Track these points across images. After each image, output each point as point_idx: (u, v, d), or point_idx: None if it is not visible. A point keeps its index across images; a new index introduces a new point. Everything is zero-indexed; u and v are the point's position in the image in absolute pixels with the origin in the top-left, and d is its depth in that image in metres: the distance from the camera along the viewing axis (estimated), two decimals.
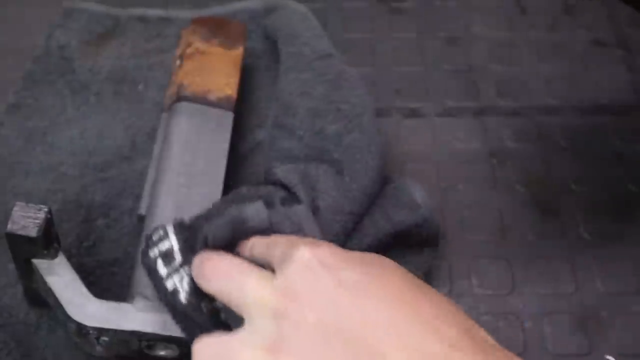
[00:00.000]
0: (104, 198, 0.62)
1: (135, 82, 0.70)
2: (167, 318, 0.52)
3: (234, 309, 0.44)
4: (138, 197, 0.61)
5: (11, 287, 0.58)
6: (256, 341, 0.41)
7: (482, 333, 0.39)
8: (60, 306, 0.52)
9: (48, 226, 0.51)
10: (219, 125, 0.62)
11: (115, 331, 0.52)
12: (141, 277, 0.54)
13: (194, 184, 0.58)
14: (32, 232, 0.50)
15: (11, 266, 0.56)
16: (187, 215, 0.56)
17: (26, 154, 0.65)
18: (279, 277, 0.43)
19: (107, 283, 0.58)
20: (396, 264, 0.43)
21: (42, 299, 0.55)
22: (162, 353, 0.53)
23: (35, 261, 0.52)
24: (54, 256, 0.52)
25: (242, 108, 0.67)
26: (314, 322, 0.40)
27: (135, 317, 0.52)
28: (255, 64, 0.71)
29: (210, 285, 0.47)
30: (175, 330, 0.52)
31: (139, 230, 0.58)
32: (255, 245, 0.48)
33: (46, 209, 0.51)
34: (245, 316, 0.43)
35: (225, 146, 0.61)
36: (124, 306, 0.53)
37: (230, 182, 0.62)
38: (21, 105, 0.68)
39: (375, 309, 0.39)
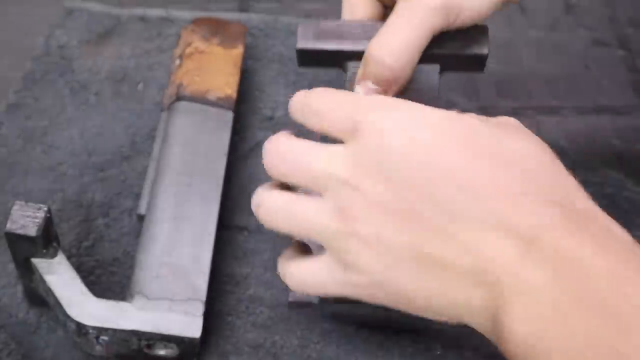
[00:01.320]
0: (103, 198, 0.62)
1: (135, 82, 0.70)
2: (167, 317, 0.52)
3: (306, 188, 0.43)
4: (138, 197, 0.61)
5: (11, 287, 0.58)
6: (326, 207, 0.41)
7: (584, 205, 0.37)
8: (59, 305, 0.52)
9: (47, 225, 0.51)
10: (218, 124, 0.62)
11: (114, 330, 0.52)
12: (141, 276, 0.54)
13: (193, 182, 0.59)
14: (32, 231, 0.50)
15: (11, 266, 0.56)
16: (187, 214, 0.56)
17: (26, 153, 0.65)
18: (348, 148, 0.41)
19: (106, 283, 0.58)
20: (481, 120, 0.41)
21: (42, 299, 0.55)
22: (161, 352, 0.53)
23: (34, 260, 0.52)
24: (53, 255, 0.52)
25: (242, 108, 0.67)
26: (384, 194, 0.39)
27: (135, 316, 0.52)
28: (255, 64, 0.71)
29: (279, 170, 0.44)
30: (175, 330, 0.52)
31: (138, 229, 0.58)
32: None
33: (45, 208, 0.51)
34: (318, 191, 0.42)
35: (225, 145, 0.61)
36: (123, 305, 0.53)
37: (230, 182, 0.62)
38: (21, 104, 0.68)
39: (451, 188, 0.38)
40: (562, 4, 0.77)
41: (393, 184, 0.39)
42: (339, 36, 0.53)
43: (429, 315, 0.42)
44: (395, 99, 0.43)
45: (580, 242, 0.34)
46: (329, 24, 0.54)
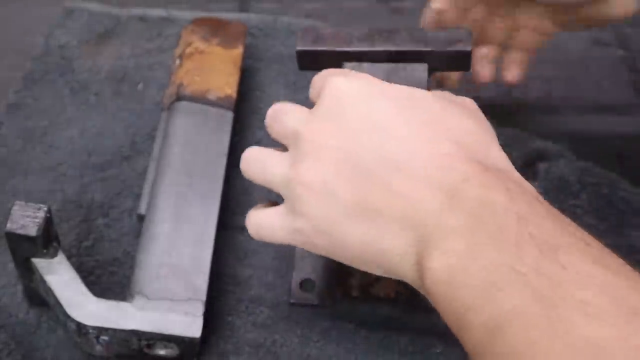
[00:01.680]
0: (103, 198, 0.62)
1: (135, 82, 0.70)
2: (167, 317, 0.52)
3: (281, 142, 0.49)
4: (138, 197, 0.61)
5: (11, 287, 0.58)
6: (285, 159, 0.47)
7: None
8: (59, 305, 0.52)
9: (47, 225, 0.51)
10: (218, 124, 0.62)
11: (114, 330, 0.52)
12: (141, 276, 0.54)
13: (193, 183, 0.59)
14: (32, 231, 0.50)
15: (11, 266, 0.56)
16: (187, 214, 0.56)
17: (26, 153, 0.65)
18: (315, 108, 0.47)
19: (106, 283, 0.58)
20: (435, 97, 0.46)
21: (42, 299, 0.55)
22: (161, 352, 0.53)
23: (34, 260, 0.52)
24: (53, 255, 0.53)
25: (242, 108, 0.67)
26: (333, 147, 0.44)
27: (135, 316, 0.52)
28: (255, 64, 0.71)
29: (268, 125, 0.50)
30: (175, 330, 0.52)
31: (138, 229, 0.58)
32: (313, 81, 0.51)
33: (45, 208, 0.51)
34: (287, 145, 0.48)
35: (225, 145, 0.61)
36: (123, 305, 0.53)
37: (231, 183, 0.62)
38: (21, 104, 0.68)
39: (394, 146, 0.43)
40: None
41: (344, 139, 0.44)
42: (336, 39, 0.56)
43: (362, 266, 0.46)
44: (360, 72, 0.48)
45: (495, 192, 0.39)
46: (327, 30, 0.57)
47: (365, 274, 0.56)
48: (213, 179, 0.59)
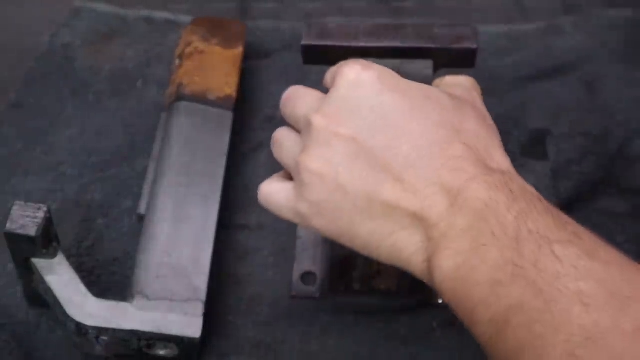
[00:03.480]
0: (103, 197, 0.63)
1: (135, 81, 0.70)
2: (167, 317, 0.52)
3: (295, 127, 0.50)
4: (137, 197, 0.61)
5: (11, 287, 0.58)
6: (298, 143, 0.48)
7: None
8: (59, 305, 0.52)
9: (47, 225, 0.51)
10: (218, 124, 0.62)
11: (114, 330, 0.52)
12: (141, 276, 0.54)
13: (193, 183, 0.59)
14: (32, 231, 0.50)
15: (11, 266, 0.56)
16: (187, 214, 0.56)
17: (26, 153, 0.65)
18: (327, 96, 0.47)
19: (106, 283, 0.58)
20: (449, 98, 0.47)
21: (42, 299, 0.55)
22: (161, 352, 0.53)
23: (34, 260, 0.52)
24: (53, 255, 0.52)
25: (242, 108, 0.67)
26: (345, 138, 0.45)
27: (135, 316, 0.52)
28: (255, 64, 0.71)
29: (286, 110, 0.51)
30: (174, 330, 0.52)
31: (138, 229, 0.58)
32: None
33: (45, 208, 0.51)
34: (300, 130, 0.49)
35: (224, 146, 0.61)
36: (123, 305, 0.53)
37: (231, 182, 0.62)
38: (22, 104, 0.68)
39: (408, 144, 0.44)
40: (562, 4, 0.77)
41: (357, 131, 0.44)
42: (342, 35, 0.56)
43: (369, 254, 0.46)
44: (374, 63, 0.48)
45: (499, 193, 0.41)
46: (332, 25, 0.56)
47: (366, 267, 0.56)
48: (213, 179, 0.59)
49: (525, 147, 0.65)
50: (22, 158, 0.65)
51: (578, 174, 0.63)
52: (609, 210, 0.61)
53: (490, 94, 0.68)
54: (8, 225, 0.50)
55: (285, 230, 0.60)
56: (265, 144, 0.64)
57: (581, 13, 0.75)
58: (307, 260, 0.58)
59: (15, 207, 0.51)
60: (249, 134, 0.67)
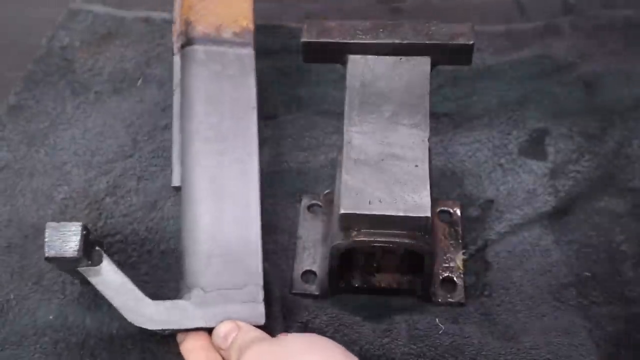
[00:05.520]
0: (107, 183, 0.63)
1: (135, 81, 0.70)
2: (228, 309, 0.51)
3: None
4: (140, 179, 0.62)
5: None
6: None
7: None
8: (116, 310, 0.51)
9: (85, 241, 0.50)
10: (240, 69, 0.57)
11: (177, 329, 0.51)
12: (192, 267, 0.53)
13: (227, 149, 0.55)
14: (72, 253, 0.49)
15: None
16: (226, 189, 0.54)
17: (30, 156, 0.65)
18: None
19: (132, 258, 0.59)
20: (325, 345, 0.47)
21: None
22: None
23: (81, 270, 0.51)
24: (98, 262, 0.51)
25: None
26: None
27: (195, 314, 0.51)
28: (256, 64, 0.71)
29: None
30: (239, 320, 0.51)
31: (176, 201, 0.57)
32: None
33: (79, 226, 0.49)
34: None
35: (252, 95, 0.57)
36: (181, 304, 0.51)
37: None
38: (22, 106, 0.69)
39: None
40: (562, 4, 0.77)
41: None
42: (341, 32, 0.56)
43: None
44: None
45: None
46: (332, 22, 0.57)
47: (366, 265, 0.57)
48: (247, 141, 0.56)
49: (524, 146, 0.65)
50: (27, 162, 0.65)
51: (576, 173, 0.63)
52: (609, 210, 0.61)
53: (489, 93, 0.69)
54: (47, 252, 0.49)
55: (286, 229, 0.60)
56: (266, 142, 0.64)
57: (580, 13, 0.75)
58: (308, 259, 0.59)
59: (48, 231, 0.49)
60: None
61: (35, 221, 0.61)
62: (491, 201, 0.62)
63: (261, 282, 0.52)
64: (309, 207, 0.62)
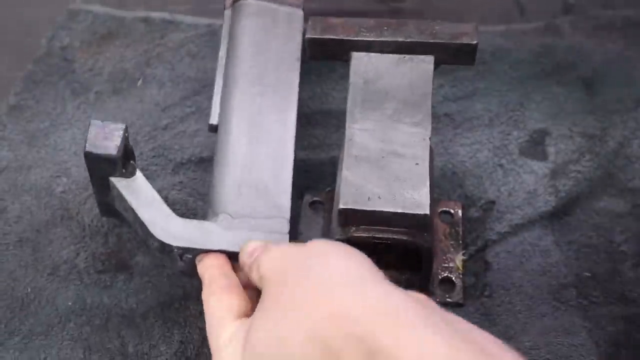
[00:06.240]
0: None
1: (135, 81, 0.70)
2: (252, 236, 0.51)
3: None
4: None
5: None
6: None
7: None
8: (141, 225, 0.51)
9: (126, 144, 0.51)
10: (289, 26, 0.59)
11: (200, 250, 0.51)
12: (222, 194, 0.53)
13: (267, 93, 0.57)
14: (112, 151, 0.50)
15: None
16: (263, 127, 0.55)
17: (30, 156, 0.65)
18: None
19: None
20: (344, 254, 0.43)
21: (115, 211, 0.55)
22: None
23: (113, 180, 0.52)
24: (132, 174, 0.52)
25: None
26: None
27: (221, 236, 0.51)
28: None
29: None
30: None
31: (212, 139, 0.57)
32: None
33: (123, 127, 0.50)
34: None
35: (297, 49, 0.59)
36: (208, 225, 0.52)
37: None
38: (22, 106, 0.69)
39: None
40: (562, 4, 0.77)
41: None
42: (346, 29, 0.57)
43: None
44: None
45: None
46: (336, 20, 0.58)
47: None
48: (287, 87, 0.57)
49: (525, 147, 0.65)
50: (28, 161, 0.65)
51: (577, 173, 0.63)
52: (609, 210, 0.61)
53: (489, 93, 0.69)
54: (87, 147, 0.50)
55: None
56: None
57: (580, 13, 0.75)
58: None
59: (92, 128, 0.50)
60: None
61: (46, 218, 0.62)
62: (492, 202, 0.62)
63: (288, 216, 0.52)
64: (311, 204, 0.62)
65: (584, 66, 0.70)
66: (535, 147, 0.65)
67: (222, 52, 0.59)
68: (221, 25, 0.60)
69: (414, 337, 0.37)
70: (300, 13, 0.60)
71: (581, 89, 0.69)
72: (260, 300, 0.43)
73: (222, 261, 0.50)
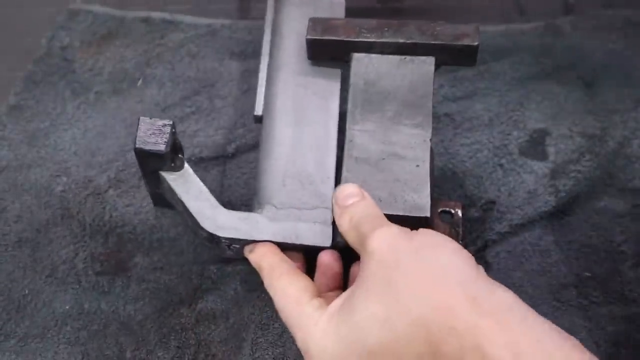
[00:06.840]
0: (108, 178, 0.64)
1: (135, 81, 0.70)
2: (297, 227, 0.53)
3: None
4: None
5: None
6: None
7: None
8: (191, 216, 0.53)
9: (174, 140, 0.52)
10: (331, 15, 0.61)
11: (247, 240, 0.52)
12: (268, 185, 0.55)
13: (311, 82, 0.58)
14: (161, 148, 0.51)
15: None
16: (307, 118, 0.56)
17: (30, 156, 0.65)
18: None
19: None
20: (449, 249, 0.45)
21: (166, 201, 0.56)
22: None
23: (163, 173, 0.53)
24: (180, 167, 0.54)
25: (245, 106, 0.67)
26: None
27: (267, 227, 0.53)
28: (255, 64, 0.71)
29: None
30: (306, 239, 0.52)
31: (257, 130, 0.58)
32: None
33: (170, 123, 0.52)
34: None
35: None
36: (254, 216, 0.53)
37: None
38: (22, 106, 0.69)
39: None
40: (562, 4, 0.77)
41: None
42: (346, 30, 0.57)
43: None
44: None
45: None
46: (336, 20, 0.57)
47: None
48: (331, 77, 0.58)
49: (525, 147, 0.65)
50: (28, 161, 0.65)
51: (577, 173, 0.63)
52: (609, 210, 0.61)
53: (489, 94, 0.69)
54: (137, 143, 0.51)
55: None
56: None
57: (580, 13, 0.75)
58: None
59: (141, 125, 0.52)
60: (247, 134, 0.67)
61: (46, 217, 0.62)
62: (493, 202, 0.62)
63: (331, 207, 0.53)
64: None
65: (584, 66, 0.70)
66: (535, 147, 0.65)
67: (265, 44, 0.60)
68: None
69: (511, 338, 0.40)
70: (342, 2, 0.61)
71: (581, 89, 0.69)
72: (364, 276, 0.45)
73: (275, 249, 0.52)
